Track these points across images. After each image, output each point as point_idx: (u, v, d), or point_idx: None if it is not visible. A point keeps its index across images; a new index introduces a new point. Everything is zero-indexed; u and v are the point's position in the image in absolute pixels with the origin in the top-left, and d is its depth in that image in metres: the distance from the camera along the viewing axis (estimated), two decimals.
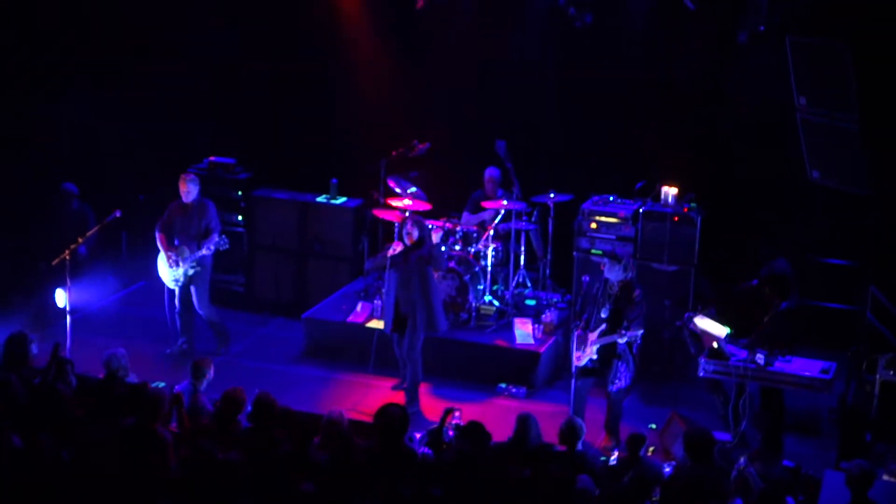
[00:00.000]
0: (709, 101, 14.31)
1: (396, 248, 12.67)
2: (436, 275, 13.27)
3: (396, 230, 12.86)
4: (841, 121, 12.10)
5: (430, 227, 13.55)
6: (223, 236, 13.63)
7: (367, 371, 13.46)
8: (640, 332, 11.84)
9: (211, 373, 11.42)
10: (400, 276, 12.73)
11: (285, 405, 10.83)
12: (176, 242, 13.64)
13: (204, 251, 13.56)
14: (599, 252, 13.55)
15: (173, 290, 13.81)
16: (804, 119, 12.42)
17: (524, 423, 10.36)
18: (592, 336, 11.96)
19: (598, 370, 12.09)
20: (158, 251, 13.72)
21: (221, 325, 14.05)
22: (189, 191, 13.65)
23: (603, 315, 11.98)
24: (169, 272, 13.68)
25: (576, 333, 12.17)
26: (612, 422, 12.30)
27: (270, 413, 10.12)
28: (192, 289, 13.72)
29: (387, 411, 10.11)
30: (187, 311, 13.86)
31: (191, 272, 13.63)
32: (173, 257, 13.58)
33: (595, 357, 12.01)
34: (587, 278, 12.43)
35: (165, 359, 13.75)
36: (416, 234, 12.64)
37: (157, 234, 13.71)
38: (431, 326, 12.79)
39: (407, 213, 13.25)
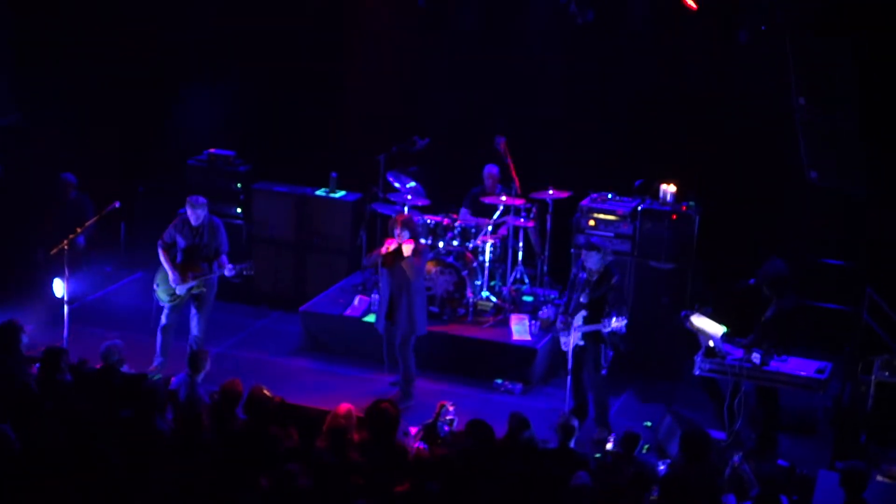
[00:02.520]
0: (708, 99, 14.30)
1: (390, 246, 12.68)
2: (433, 269, 13.31)
3: (390, 227, 12.86)
4: (840, 121, 12.13)
5: (419, 225, 13.54)
6: (250, 262, 13.37)
7: (374, 366, 13.48)
8: (625, 321, 11.98)
9: (208, 365, 11.45)
10: (391, 275, 12.78)
11: (281, 398, 10.89)
12: (178, 260, 13.20)
13: (225, 273, 13.21)
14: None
15: (162, 307, 13.33)
16: (803, 119, 12.44)
17: (517, 421, 10.42)
18: (576, 321, 12.13)
19: (582, 356, 12.27)
20: (156, 246, 13.29)
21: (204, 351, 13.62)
22: (199, 216, 13.18)
23: (583, 300, 12.17)
24: (167, 289, 13.21)
25: (560, 319, 12.33)
26: (602, 413, 12.41)
27: (265, 407, 10.14)
28: (194, 309, 13.29)
29: (378, 407, 10.18)
30: (170, 330, 13.39)
31: (195, 292, 13.26)
32: (178, 277, 13.09)
33: (582, 343, 12.20)
34: (617, 276, 12.42)
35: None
36: (405, 235, 12.66)
37: (161, 252, 13.19)
38: (411, 328, 12.83)
39: (395, 216, 13.20)
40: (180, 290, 13.18)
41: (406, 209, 14.27)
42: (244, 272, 13.31)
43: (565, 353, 12.41)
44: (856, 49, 11.76)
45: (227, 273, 13.22)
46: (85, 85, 16.23)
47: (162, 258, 13.20)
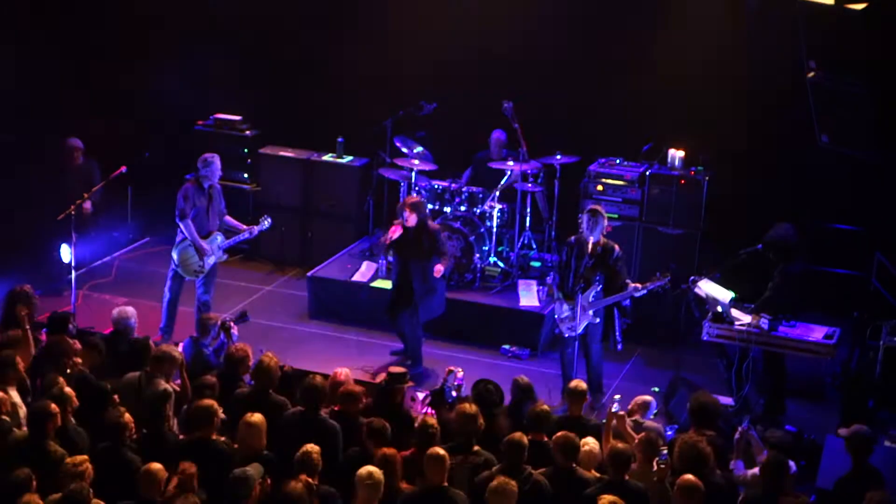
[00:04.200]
0: (718, 63, 14.22)
1: (396, 232, 12.63)
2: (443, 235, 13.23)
3: (398, 210, 12.80)
4: (851, 85, 12.05)
5: (427, 207, 13.47)
6: (266, 216, 13.35)
7: (382, 332, 13.44)
8: (667, 280, 11.95)
9: (215, 331, 11.47)
10: (400, 260, 12.77)
11: (289, 364, 10.91)
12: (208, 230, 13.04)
13: (246, 235, 13.18)
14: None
15: (181, 278, 13.10)
16: (813, 82, 12.36)
17: (520, 388, 10.42)
18: (588, 299, 11.95)
19: (591, 332, 12.11)
20: (179, 221, 12.93)
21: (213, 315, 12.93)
22: (218, 169, 13.03)
23: (597, 278, 11.97)
24: (196, 263, 12.98)
25: (559, 305, 12.12)
26: (598, 380, 12.37)
27: (270, 374, 10.14)
28: (204, 277, 13.13)
29: (386, 372, 10.22)
30: (176, 302, 13.21)
31: (221, 260, 13.20)
32: (204, 246, 12.91)
33: (598, 320, 12.03)
34: (618, 247, 12.24)
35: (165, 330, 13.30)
36: (413, 219, 12.59)
37: (189, 223, 12.81)
38: (428, 311, 12.84)
39: (403, 200, 13.14)
40: (213, 261, 13.10)
41: (414, 175, 14.22)
42: (267, 226, 13.30)
43: (570, 339, 12.15)
44: (867, 13, 11.66)
45: (263, 228, 13.21)
46: (90, 48, 16.18)
47: (190, 233, 12.87)
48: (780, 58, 13.43)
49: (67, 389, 9.51)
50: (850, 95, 12.07)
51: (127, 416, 9.12)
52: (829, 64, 12.20)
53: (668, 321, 13.45)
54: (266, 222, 13.28)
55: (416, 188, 14.25)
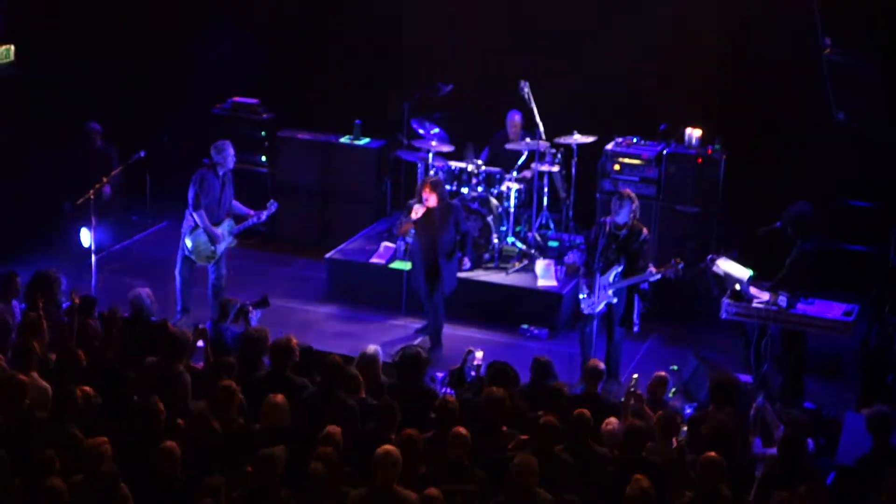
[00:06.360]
0: (734, 41, 14.18)
1: (418, 212, 12.68)
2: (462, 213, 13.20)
3: (418, 191, 12.83)
4: (865, 62, 12.02)
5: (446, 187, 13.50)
6: (272, 201, 13.39)
7: (400, 313, 13.50)
8: (680, 265, 11.88)
9: (234, 313, 11.52)
10: (423, 240, 12.82)
11: (308, 345, 10.94)
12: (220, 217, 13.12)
13: (254, 220, 13.21)
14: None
15: (192, 263, 13.21)
16: (829, 59, 12.33)
17: (541, 367, 10.43)
18: (605, 279, 11.93)
19: (612, 312, 12.09)
20: (193, 212, 13.01)
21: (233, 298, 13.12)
22: (232, 155, 13.07)
23: (613, 257, 11.93)
24: (208, 249, 13.07)
25: (583, 282, 12.12)
26: (616, 365, 12.31)
27: (288, 355, 10.17)
28: (215, 263, 13.24)
29: (406, 352, 10.24)
30: (190, 283, 13.35)
31: (231, 245, 13.27)
32: (216, 233, 13.00)
33: (615, 301, 12.01)
34: (646, 231, 12.19)
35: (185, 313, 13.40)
36: (433, 199, 12.63)
37: (202, 213, 12.90)
38: (447, 287, 12.93)
39: (422, 180, 13.18)
40: (224, 247, 13.16)
41: (431, 157, 14.24)
42: (273, 210, 13.35)
43: (589, 316, 12.13)
44: None
45: (270, 212, 13.28)
46: (107, 33, 16.22)
47: (203, 223, 12.94)
48: (796, 34, 13.38)
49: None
50: (865, 73, 12.04)
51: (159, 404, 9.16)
52: (844, 40, 12.18)
53: (687, 299, 13.46)
54: (272, 207, 13.33)
55: (434, 169, 14.26)
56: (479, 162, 14.31)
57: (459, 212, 12.93)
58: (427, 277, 12.92)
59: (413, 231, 13.03)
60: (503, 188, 14.18)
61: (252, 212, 13.29)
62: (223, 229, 13.12)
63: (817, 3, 12.17)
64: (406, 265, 13.47)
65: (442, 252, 12.79)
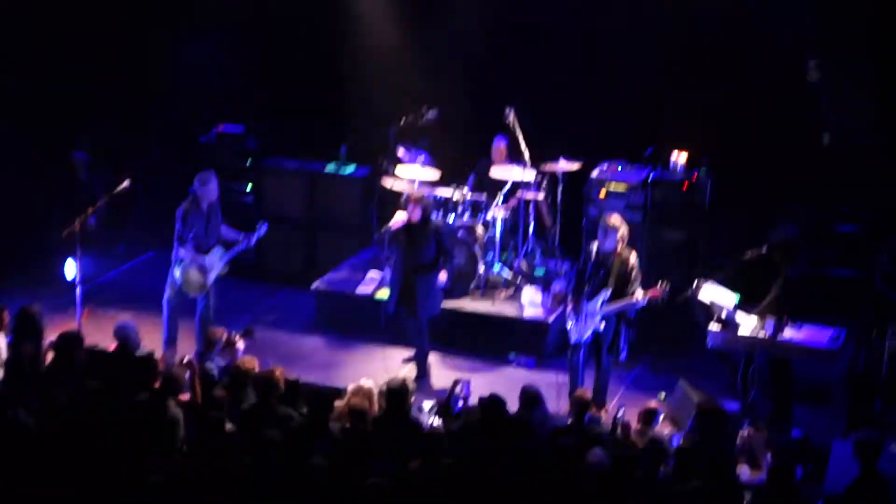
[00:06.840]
0: (720, 65, 14.20)
1: (400, 222, 12.65)
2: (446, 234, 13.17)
3: (403, 204, 12.82)
4: (855, 61, 12.06)
5: (432, 201, 13.49)
6: (261, 222, 13.34)
7: (386, 343, 13.43)
8: (666, 287, 11.83)
9: (220, 346, 11.49)
10: (403, 254, 12.77)
11: (296, 377, 10.91)
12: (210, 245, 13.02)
13: (244, 244, 13.09)
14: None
15: (181, 294, 13.09)
16: (818, 72, 12.36)
17: (529, 397, 10.39)
18: (593, 306, 11.88)
19: (600, 340, 12.04)
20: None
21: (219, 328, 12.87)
22: (215, 188, 12.98)
23: (604, 286, 11.91)
24: (199, 281, 12.98)
25: (571, 309, 12.02)
26: (603, 393, 12.22)
27: (274, 387, 10.14)
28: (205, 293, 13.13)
29: (389, 384, 10.20)
30: (177, 314, 13.22)
31: (223, 272, 13.17)
32: (205, 263, 12.91)
33: (602, 327, 11.96)
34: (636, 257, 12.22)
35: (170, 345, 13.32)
36: (418, 214, 12.61)
37: (189, 247, 12.81)
38: (424, 308, 12.83)
39: (406, 195, 13.15)
40: (214, 276, 13.07)
41: (417, 182, 14.22)
42: (263, 232, 13.28)
43: (576, 345, 12.06)
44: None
45: (259, 235, 13.21)
46: (91, 56, 16.19)
47: (190, 257, 12.87)
48: (782, 58, 13.41)
49: None
50: (853, 76, 12.07)
51: None
52: (832, 55, 12.20)
53: (674, 327, 13.44)
54: (262, 229, 13.28)
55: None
56: (465, 190, 14.29)
57: (442, 231, 12.92)
58: (400, 295, 12.83)
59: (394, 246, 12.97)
60: (489, 217, 14.16)
61: (241, 235, 13.23)
62: (213, 257, 13.05)
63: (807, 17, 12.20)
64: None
65: (420, 266, 12.70)
